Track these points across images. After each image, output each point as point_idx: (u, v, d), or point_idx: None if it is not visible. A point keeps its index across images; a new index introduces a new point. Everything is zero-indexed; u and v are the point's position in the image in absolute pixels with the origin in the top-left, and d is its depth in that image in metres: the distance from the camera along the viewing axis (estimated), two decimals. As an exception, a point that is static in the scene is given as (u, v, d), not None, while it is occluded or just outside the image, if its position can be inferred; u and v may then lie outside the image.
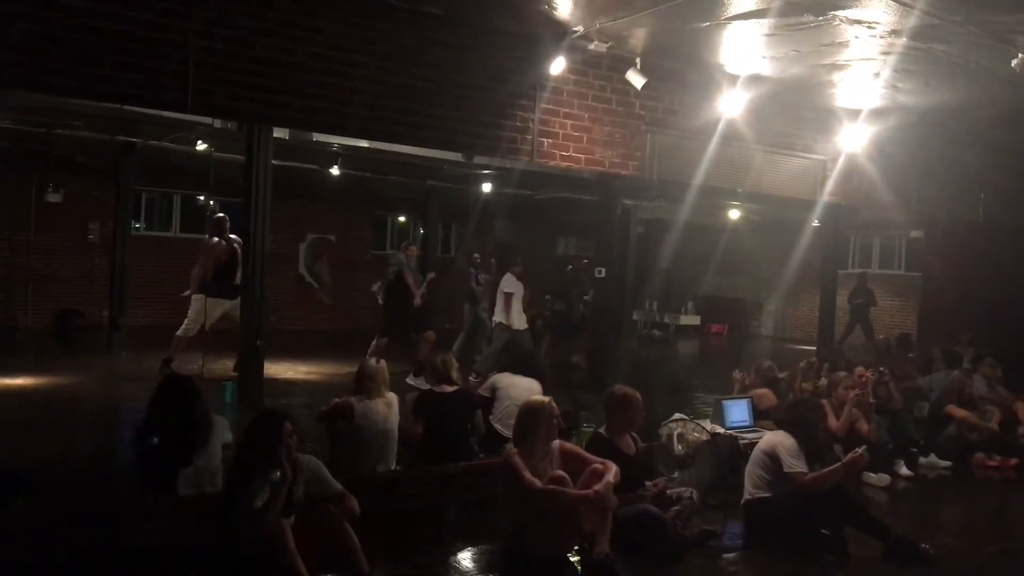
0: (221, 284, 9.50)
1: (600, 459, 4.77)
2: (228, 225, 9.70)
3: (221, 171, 9.77)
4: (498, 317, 10.77)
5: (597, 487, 4.49)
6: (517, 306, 10.76)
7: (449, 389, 6.21)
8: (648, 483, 5.18)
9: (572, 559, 4.78)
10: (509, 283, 10.78)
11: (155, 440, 4.67)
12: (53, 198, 14.20)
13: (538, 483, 4.48)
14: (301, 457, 4.28)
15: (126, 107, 6.69)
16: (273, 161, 7.27)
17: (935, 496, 7.24)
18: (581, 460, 4.81)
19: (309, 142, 9.62)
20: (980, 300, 11.03)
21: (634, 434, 5.41)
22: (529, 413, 4.82)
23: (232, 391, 7.70)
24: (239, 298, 9.20)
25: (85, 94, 5.40)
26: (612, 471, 4.63)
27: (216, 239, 9.66)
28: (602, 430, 5.36)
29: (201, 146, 9.80)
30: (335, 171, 12.47)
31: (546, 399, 4.98)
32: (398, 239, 18.78)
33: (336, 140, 9.48)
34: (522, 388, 6.47)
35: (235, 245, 9.37)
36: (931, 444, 7.97)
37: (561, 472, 4.59)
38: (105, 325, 12.40)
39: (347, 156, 11.59)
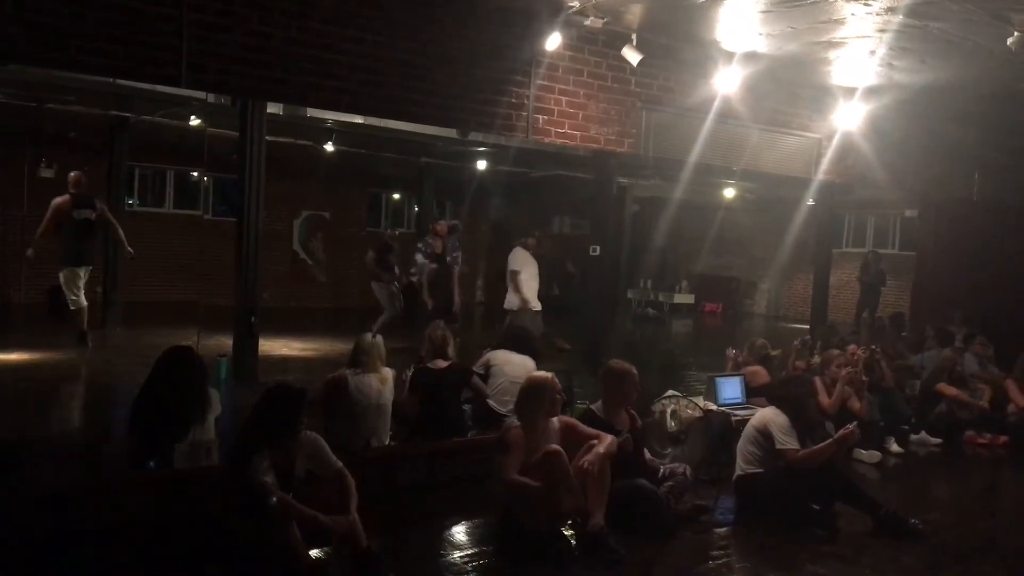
0: (64, 248, 9.12)
1: (596, 432, 4.83)
2: (83, 183, 9.23)
3: (215, 147, 9.73)
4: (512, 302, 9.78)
5: (588, 457, 4.60)
6: (530, 284, 9.78)
7: (443, 364, 6.23)
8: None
9: (566, 532, 4.83)
10: (516, 259, 9.85)
11: (153, 412, 4.67)
12: (46, 173, 14.08)
13: (513, 475, 4.57)
14: (302, 433, 4.29)
15: (119, 81, 6.66)
16: (267, 137, 7.24)
17: (925, 473, 7.30)
18: (579, 434, 4.88)
19: (303, 118, 9.56)
20: (973, 279, 11.06)
21: (632, 410, 5.44)
22: (533, 388, 4.86)
23: (227, 368, 7.70)
24: (85, 267, 9.01)
25: (78, 67, 5.36)
26: (605, 442, 4.70)
27: (63, 197, 9.28)
28: (595, 407, 5.39)
29: (194, 121, 9.74)
30: (329, 147, 12.42)
31: (549, 375, 5.04)
32: (393, 217, 18.79)
33: (330, 116, 9.43)
34: (516, 365, 6.51)
35: (87, 208, 8.95)
36: (922, 421, 8.04)
37: (556, 446, 4.63)
38: (99, 301, 12.38)
39: (342, 132, 11.54)
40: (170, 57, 5.40)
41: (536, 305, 9.83)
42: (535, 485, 4.53)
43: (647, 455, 5.53)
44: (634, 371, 5.39)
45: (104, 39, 5.17)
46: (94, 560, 4.16)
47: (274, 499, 3.90)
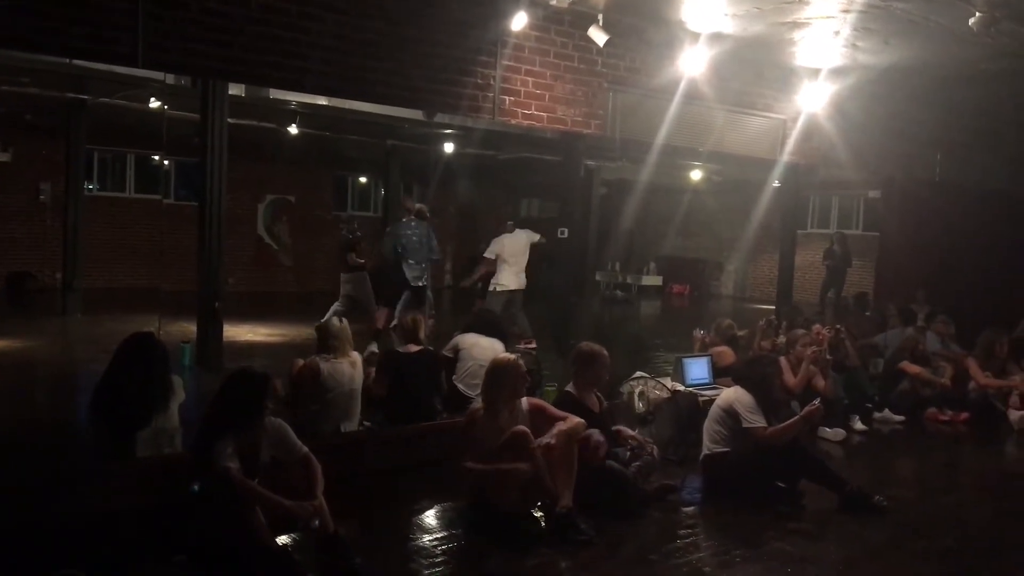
0: None
1: (565, 413, 4.83)
2: None
3: (175, 129, 9.55)
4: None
5: (542, 439, 4.62)
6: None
7: (414, 349, 6.21)
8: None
9: (536, 514, 4.83)
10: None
11: (115, 400, 4.59)
12: (2, 157, 13.83)
13: (472, 464, 4.69)
14: (266, 419, 4.23)
15: (75, 61, 6.49)
16: (229, 119, 7.10)
17: (889, 450, 7.41)
18: (548, 415, 4.88)
19: (266, 100, 9.39)
20: (935, 259, 11.22)
21: (598, 392, 5.46)
22: (497, 371, 4.87)
23: (190, 354, 7.59)
24: None
25: (31, 47, 5.20)
26: (569, 424, 4.70)
27: None
28: (570, 387, 5.39)
29: (154, 103, 9.55)
30: (293, 130, 12.26)
31: (513, 357, 5.05)
32: (359, 200, 18.64)
33: (294, 97, 9.27)
34: (485, 348, 6.50)
35: None
36: (885, 399, 8.16)
37: (522, 427, 4.63)
38: (58, 287, 12.17)
39: (306, 114, 11.38)
40: (127, 36, 5.26)
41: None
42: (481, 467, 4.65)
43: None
44: (605, 353, 5.40)
45: (58, 18, 5.03)
46: (57, 551, 4.09)
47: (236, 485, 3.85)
